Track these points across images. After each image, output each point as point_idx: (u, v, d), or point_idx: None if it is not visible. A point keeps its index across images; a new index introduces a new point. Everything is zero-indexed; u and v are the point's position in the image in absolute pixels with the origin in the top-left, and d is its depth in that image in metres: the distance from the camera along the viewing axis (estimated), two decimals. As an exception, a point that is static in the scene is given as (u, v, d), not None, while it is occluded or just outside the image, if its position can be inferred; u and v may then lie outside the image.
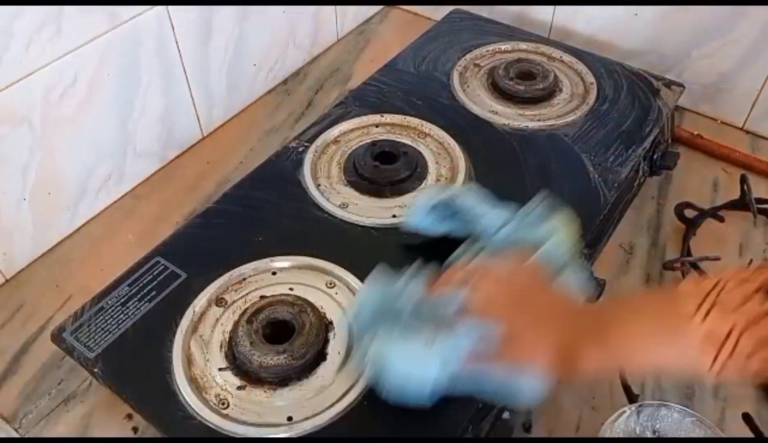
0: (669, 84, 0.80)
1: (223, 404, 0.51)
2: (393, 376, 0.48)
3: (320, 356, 0.54)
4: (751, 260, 0.66)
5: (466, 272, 0.52)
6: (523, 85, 0.78)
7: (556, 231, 0.55)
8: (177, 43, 0.76)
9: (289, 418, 0.50)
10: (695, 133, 0.84)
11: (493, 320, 0.48)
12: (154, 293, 0.58)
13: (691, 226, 0.72)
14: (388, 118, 0.76)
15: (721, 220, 0.73)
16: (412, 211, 0.61)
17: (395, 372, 0.48)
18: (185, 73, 0.79)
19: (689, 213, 0.73)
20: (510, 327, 0.48)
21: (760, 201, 0.74)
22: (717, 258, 0.68)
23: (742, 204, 0.73)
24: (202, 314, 0.57)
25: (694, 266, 0.68)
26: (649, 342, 0.45)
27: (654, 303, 0.47)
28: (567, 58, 0.84)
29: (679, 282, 0.66)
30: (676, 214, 0.74)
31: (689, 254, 0.70)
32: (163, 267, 0.60)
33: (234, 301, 0.58)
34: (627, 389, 0.58)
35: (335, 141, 0.74)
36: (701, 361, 0.42)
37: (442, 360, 0.47)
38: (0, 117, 0.62)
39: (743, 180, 0.74)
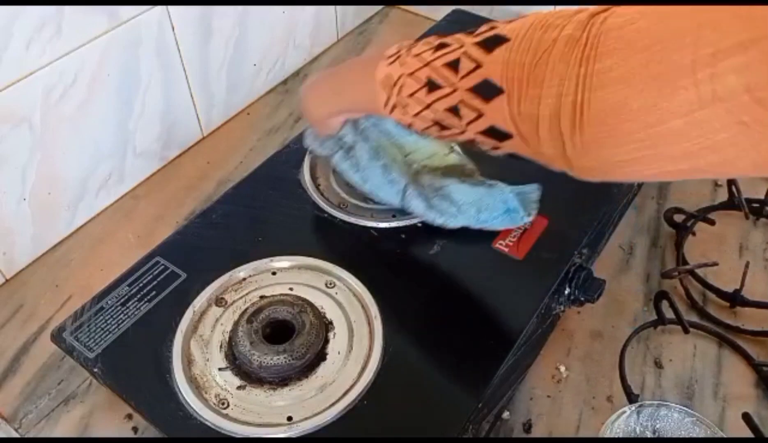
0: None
1: (223, 404, 0.51)
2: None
3: (320, 356, 0.54)
4: (748, 263, 0.66)
5: None
6: (523, 85, 0.78)
7: None
8: (177, 43, 0.76)
9: (289, 418, 0.50)
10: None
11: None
12: (154, 293, 0.58)
13: (681, 231, 0.72)
14: (388, 118, 0.76)
15: (712, 223, 0.72)
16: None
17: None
18: (185, 73, 0.79)
19: (678, 218, 0.73)
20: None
21: (751, 201, 0.73)
22: (714, 264, 0.67)
23: (732, 205, 0.73)
24: (202, 314, 0.57)
25: (693, 274, 0.67)
26: (357, 84, 0.54)
27: (374, 55, 0.52)
28: (567, 58, 0.84)
29: (677, 289, 0.67)
30: (666, 220, 0.73)
31: (684, 260, 0.69)
32: (163, 267, 0.60)
33: (234, 301, 0.58)
34: (627, 389, 0.58)
35: (335, 141, 0.74)
36: (378, 100, 0.50)
37: None
38: (0, 117, 0.62)
39: (730, 182, 0.74)
